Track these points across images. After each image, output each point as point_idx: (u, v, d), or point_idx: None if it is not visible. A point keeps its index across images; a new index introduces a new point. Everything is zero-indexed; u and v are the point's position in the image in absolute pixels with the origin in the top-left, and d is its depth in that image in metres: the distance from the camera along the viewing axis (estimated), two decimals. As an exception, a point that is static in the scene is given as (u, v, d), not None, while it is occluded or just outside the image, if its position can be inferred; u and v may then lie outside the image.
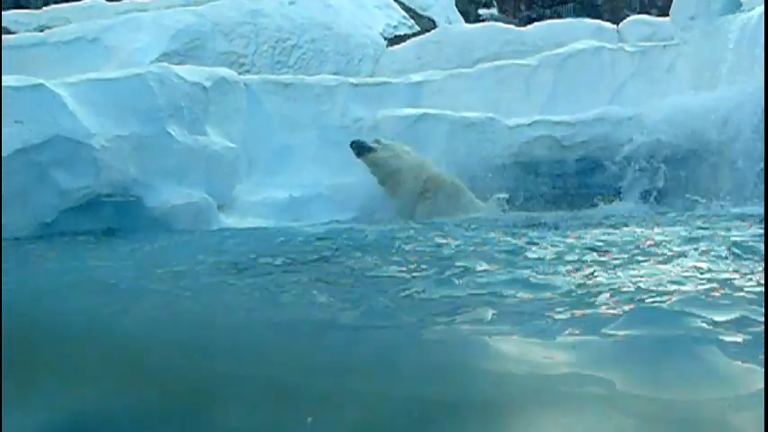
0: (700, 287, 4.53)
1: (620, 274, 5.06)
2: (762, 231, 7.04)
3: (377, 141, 11.10)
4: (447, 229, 8.50)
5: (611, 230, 7.73)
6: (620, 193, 11.47)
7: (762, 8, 11.60)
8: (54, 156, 8.87)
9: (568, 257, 5.85)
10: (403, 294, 4.72)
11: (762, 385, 3.01)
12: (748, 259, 5.44)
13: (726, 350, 3.34)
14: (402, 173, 10.97)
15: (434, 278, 5.16)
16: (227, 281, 5.50)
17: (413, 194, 10.94)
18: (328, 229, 9.26)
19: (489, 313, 4.09)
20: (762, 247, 5.88)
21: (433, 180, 10.96)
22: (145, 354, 3.66)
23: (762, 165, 10.39)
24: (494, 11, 14.97)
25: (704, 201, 10.57)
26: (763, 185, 10.18)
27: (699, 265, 5.28)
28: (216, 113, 10.63)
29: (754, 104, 10.70)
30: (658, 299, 4.22)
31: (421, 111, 11.98)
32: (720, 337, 3.52)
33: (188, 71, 10.43)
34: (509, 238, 7.29)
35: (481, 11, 14.90)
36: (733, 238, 6.45)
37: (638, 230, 7.63)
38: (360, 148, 11.07)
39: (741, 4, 12.56)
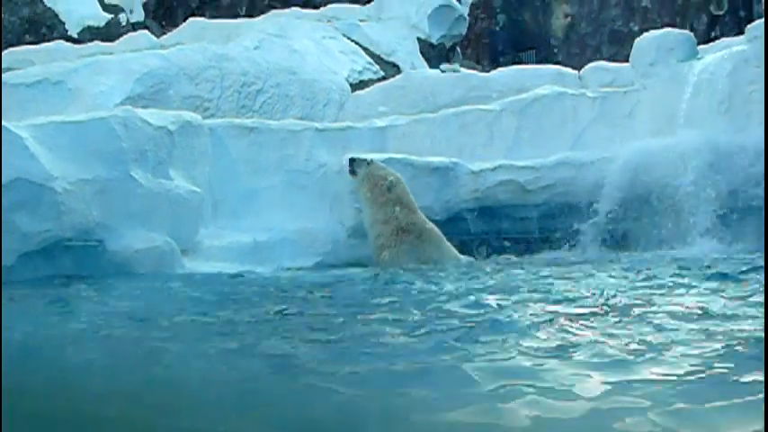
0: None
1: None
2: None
3: (369, 162, 11.06)
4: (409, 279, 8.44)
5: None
6: (579, 238, 11.54)
7: (718, 55, 11.79)
8: (15, 199, 8.70)
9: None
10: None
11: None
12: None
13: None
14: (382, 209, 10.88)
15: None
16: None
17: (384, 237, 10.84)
18: (279, 276, 9.20)
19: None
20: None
21: (409, 225, 10.87)
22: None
23: (719, 211, 10.56)
24: (456, 65, 15.04)
25: (649, 249, 10.71)
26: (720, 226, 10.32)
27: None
28: (180, 157, 10.51)
29: (710, 150, 10.85)
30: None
31: (385, 155, 11.92)
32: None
33: (152, 115, 10.33)
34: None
35: (443, 66, 14.98)
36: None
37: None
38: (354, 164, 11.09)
39: (698, 52, 12.72)
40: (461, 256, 10.94)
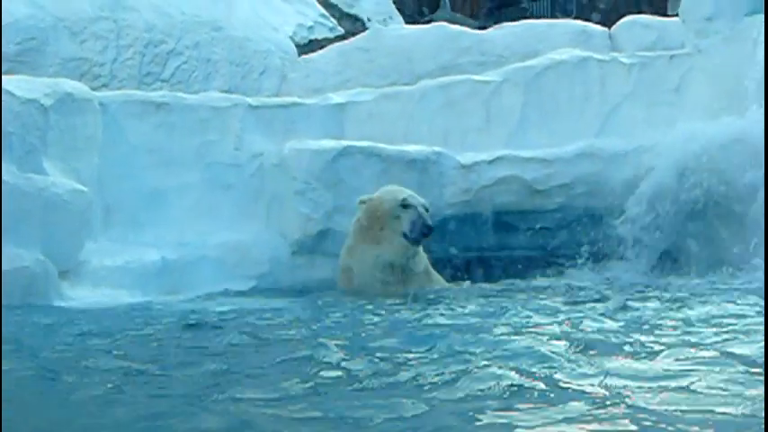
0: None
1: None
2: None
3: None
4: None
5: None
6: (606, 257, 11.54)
7: None
8: None
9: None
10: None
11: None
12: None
13: None
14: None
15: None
16: None
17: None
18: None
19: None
20: None
21: None
22: None
23: None
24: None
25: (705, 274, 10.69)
26: None
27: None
28: (59, 143, 10.52)
29: None
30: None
31: (344, 143, 11.94)
32: None
33: (19, 83, 10.31)
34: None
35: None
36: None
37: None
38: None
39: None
40: (446, 283, 10.97)
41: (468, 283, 11.11)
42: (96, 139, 11.09)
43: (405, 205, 10.42)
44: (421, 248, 10.68)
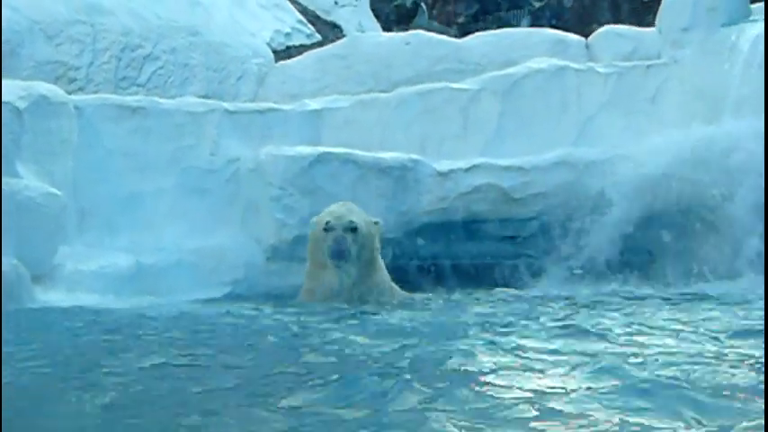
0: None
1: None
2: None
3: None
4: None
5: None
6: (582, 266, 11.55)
7: None
8: None
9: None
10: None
11: None
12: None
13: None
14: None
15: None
16: None
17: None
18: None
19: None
20: None
21: None
22: None
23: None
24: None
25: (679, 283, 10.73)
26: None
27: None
28: (33, 146, 10.50)
29: (759, 143, 10.82)
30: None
31: (320, 149, 11.94)
32: None
33: None
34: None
35: None
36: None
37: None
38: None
39: (751, 12, 12.72)
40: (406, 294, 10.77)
41: (420, 295, 10.91)
42: (71, 142, 11.03)
43: (326, 229, 10.01)
44: (381, 263, 10.50)
